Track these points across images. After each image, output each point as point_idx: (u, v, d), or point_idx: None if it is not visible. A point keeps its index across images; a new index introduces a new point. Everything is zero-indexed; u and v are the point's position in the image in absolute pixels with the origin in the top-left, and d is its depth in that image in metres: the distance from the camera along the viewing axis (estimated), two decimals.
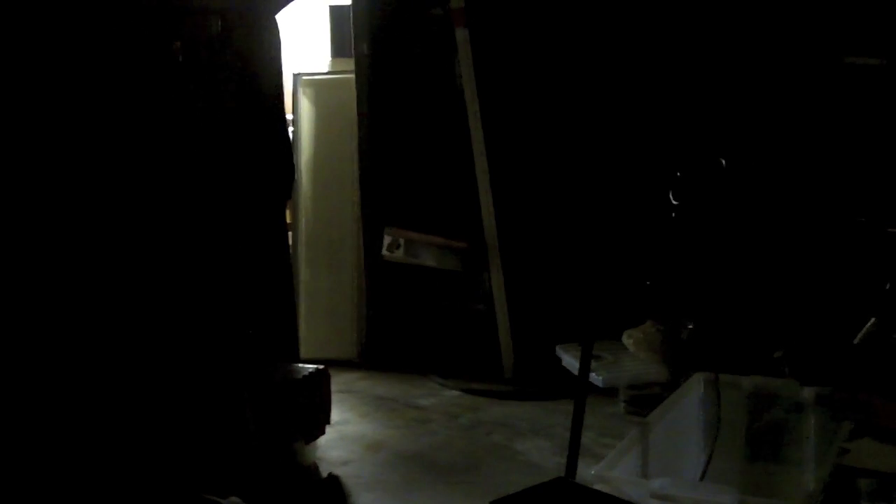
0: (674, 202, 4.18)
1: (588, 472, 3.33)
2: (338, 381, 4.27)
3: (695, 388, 3.36)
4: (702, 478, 3.18)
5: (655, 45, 4.77)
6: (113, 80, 3.36)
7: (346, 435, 4.25)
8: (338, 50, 5.68)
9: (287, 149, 4.20)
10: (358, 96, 5.39)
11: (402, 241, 5.04)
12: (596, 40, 4.91)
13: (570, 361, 4.63)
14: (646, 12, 4.80)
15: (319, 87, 5.60)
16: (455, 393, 4.89)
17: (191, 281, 3.61)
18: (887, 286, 3.60)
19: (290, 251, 5.14)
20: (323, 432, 4.00)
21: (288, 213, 4.99)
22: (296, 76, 5.54)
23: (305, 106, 5.57)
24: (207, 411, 3.48)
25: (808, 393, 3.17)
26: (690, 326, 4.11)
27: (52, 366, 3.16)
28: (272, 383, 3.75)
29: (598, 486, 3.26)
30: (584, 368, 3.28)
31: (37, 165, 3.16)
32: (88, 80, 3.28)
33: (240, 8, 3.80)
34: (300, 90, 5.57)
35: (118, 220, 3.37)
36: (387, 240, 5.11)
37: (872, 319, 3.49)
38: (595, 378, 4.40)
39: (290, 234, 5.11)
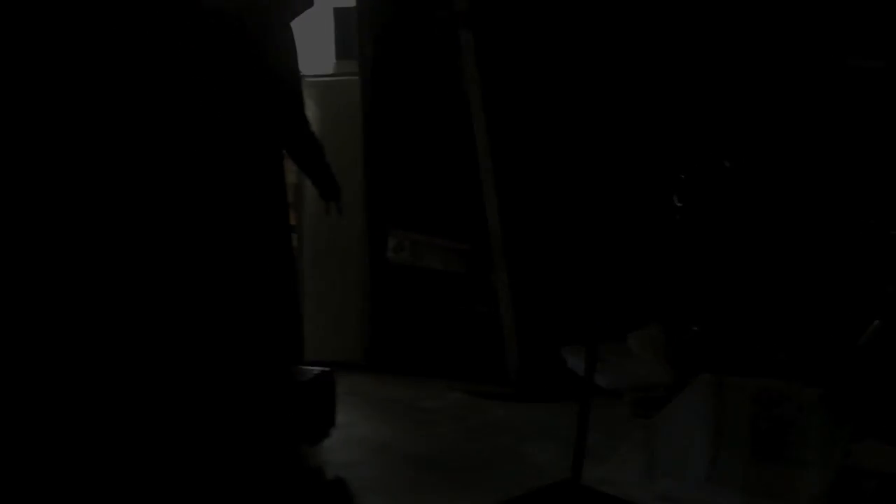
0: (678, 204, 4.20)
1: (594, 474, 3.35)
2: (343, 383, 4.26)
3: (700, 390, 3.37)
4: (707, 480, 3.19)
5: (660, 47, 4.78)
6: (120, 78, 3.36)
7: (351, 437, 4.25)
8: (342, 52, 5.69)
9: (319, 159, 4.20)
10: (362, 98, 5.40)
11: (407, 243, 5.05)
12: (601, 43, 4.92)
13: (576, 363, 4.63)
14: (650, 15, 4.80)
15: (324, 89, 5.60)
16: (461, 395, 4.89)
17: (201, 281, 3.61)
18: (890, 288, 3.61)
19: (295, 253, 5.15)
20: (329, 435, 4.00)
21: (292, 214, 5.01)
22: None
23: (310, 107, 5.57)
24: (214, 414, 3.48)
25: (813, 394, 3.18)
26: (695, 328, 4.12)
27: (54, 365, 3.17)
28: (278, 385, 3.76)
29: (604, 489, 3.27)
30: (590, 371, 3.29)
31: (38, 161, 3.18)
32: (92, 78, 3.29)
33: (254, 10, 3.80)
34: (304, 92, 5.57)
35: (126, 216, 3.37)
36: (392, 242, 5.11)
37: (877, 321, 3.49)
38: (600, 380, 4.41)
39: (294, 235, 5.13)
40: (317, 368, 3.99)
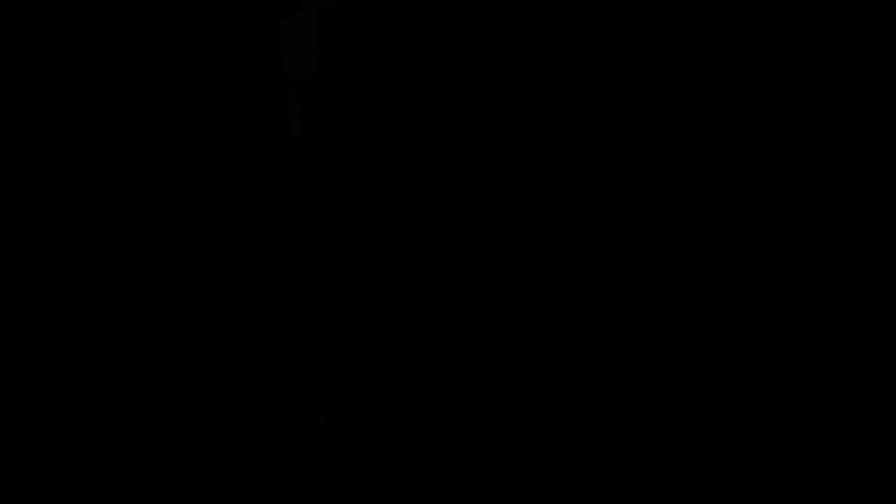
0: (656, 206, 4.21)
1: None
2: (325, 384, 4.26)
3: None
4: None
5: (641, 42, 4.80)
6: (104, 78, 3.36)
7: (332, 438, 4.22)
8: (325, 54, 5.69)
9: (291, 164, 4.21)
10: (344, 100, 5.40)
11: None
12: (580, 41, 4.93)
13: None
14: (633, 12, 4.82)
15: (305, 91, 5.60)
16: None
17: (184, 279, 3.61)
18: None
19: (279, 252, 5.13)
20: (316, 432, 3.98)
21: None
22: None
23: (289, 110, 5.58)
24: (199, 414, 3.48)
25: None
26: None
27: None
28: (265, 384, 3.75)
29: None
30: None
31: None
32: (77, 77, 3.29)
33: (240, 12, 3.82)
34: (285, 94, 5.58)
35: (107, 212, 3.36)
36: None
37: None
38: None
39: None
40: (299, 367, 3.97)
